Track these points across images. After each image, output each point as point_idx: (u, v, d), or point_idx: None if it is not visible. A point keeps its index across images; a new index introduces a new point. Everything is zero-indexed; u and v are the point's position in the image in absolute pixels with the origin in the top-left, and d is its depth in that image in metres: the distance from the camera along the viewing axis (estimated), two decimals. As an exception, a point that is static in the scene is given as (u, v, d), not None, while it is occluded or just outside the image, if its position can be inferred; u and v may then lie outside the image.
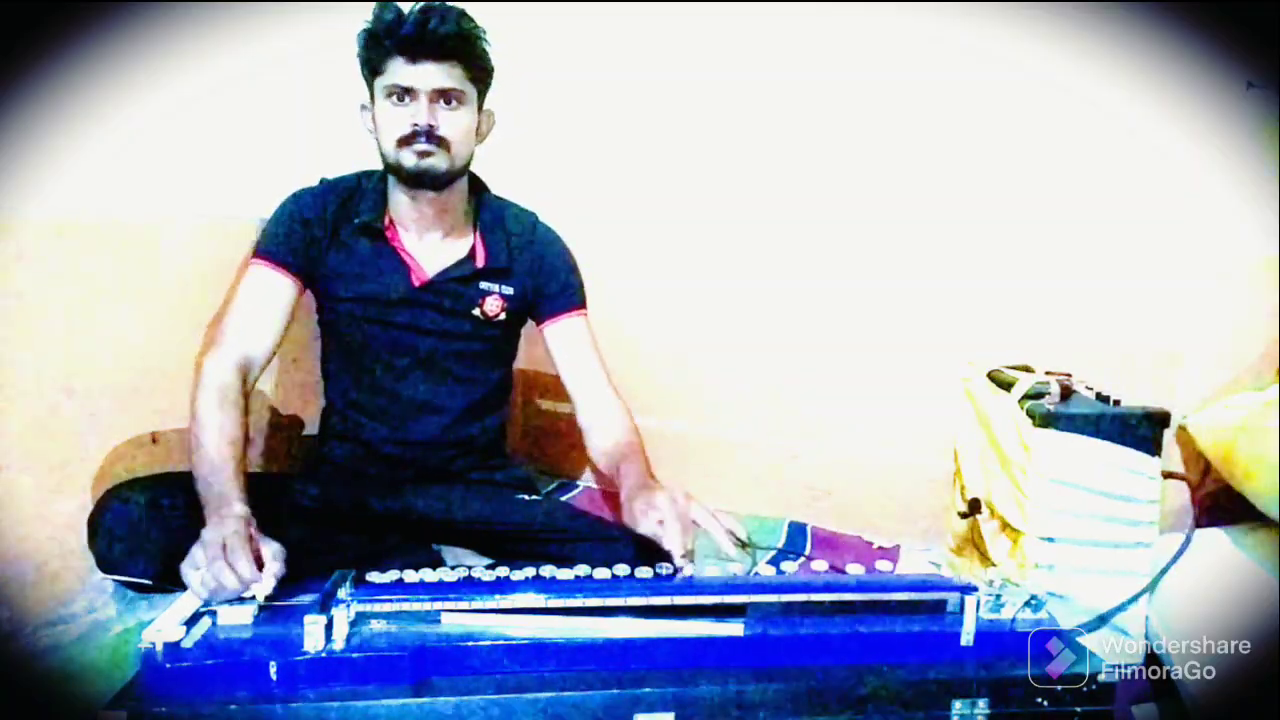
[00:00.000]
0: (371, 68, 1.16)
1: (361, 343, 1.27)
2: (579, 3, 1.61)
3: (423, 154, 1.16)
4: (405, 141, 1.15)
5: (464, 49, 1.16)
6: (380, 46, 1.14)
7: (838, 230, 1.53)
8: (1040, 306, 1.40)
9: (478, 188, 1.32)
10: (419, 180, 1.18)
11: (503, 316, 1.29)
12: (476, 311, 1.27)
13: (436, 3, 1.14)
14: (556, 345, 1.33)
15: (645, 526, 1.02)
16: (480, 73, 1.19)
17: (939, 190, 1.46)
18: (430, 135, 1.15)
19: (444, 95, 1.16)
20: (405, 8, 1.14)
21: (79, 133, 1.14)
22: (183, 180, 1.29)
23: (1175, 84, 1.28)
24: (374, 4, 1.15)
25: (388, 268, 1.24)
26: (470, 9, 1.15)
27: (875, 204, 1.50)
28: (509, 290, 1.29)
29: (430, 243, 1.26)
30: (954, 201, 1.45)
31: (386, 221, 1.25)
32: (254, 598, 0.86)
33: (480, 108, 1.21)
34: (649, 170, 1.66)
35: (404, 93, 1.15)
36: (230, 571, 0.86)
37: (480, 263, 1.27)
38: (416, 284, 1.25)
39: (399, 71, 1.14)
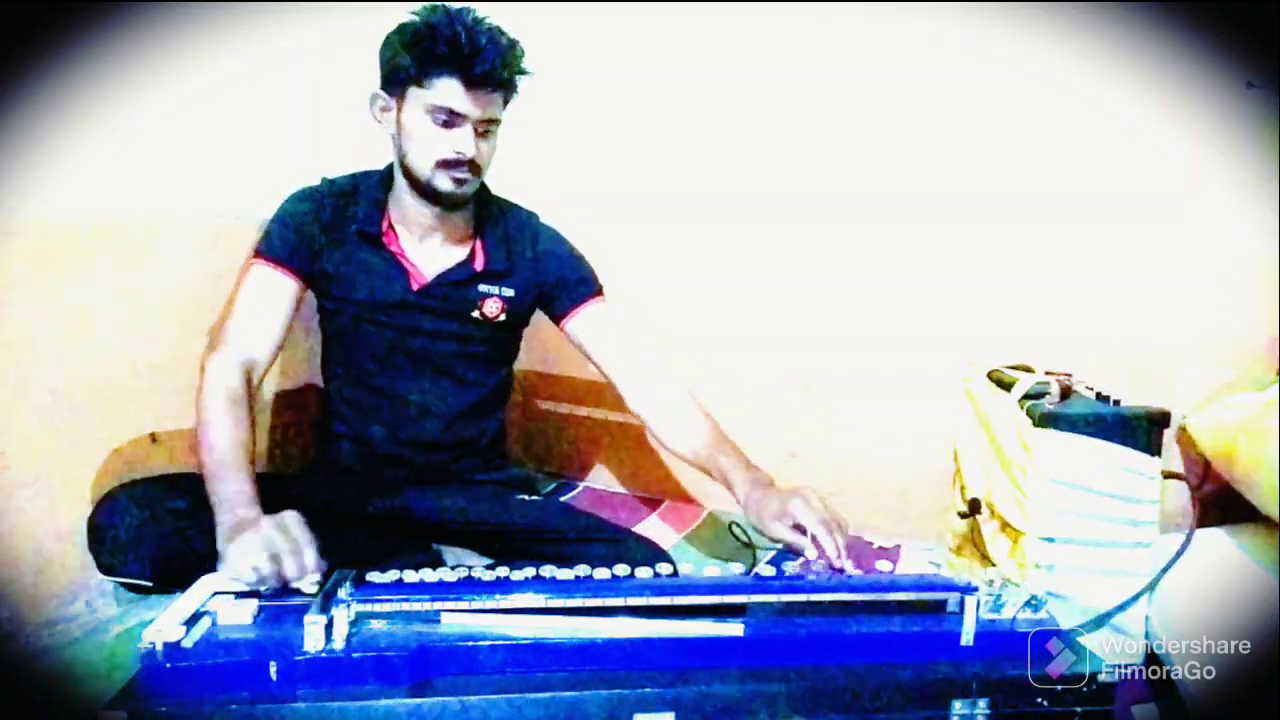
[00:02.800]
0: (411, 75, 1.12)
1: (361, 344, 1.27)
2: (581, 3, 1.61)
3: (460, 180, 1.16)
4: (445, 165, 1.15)
5: (515, 83, 1.16)
6: (433, 61, 1.10)
7: (838, 230, 1.53)
8: (1040, 306, 1.40)
9: (478, 190, 1.32)
10: (449, 202, 1.19)
11: (503, 318, 1.29)
12: (476, 314, 1.27)
13: (498, 30, 1.12)
14: (583, 337, 1.30)
15: (779, 532, 1.02)
16: (510, 98, 1.19)
17: (939, 190, 1.46)
18: (471, 163, 1.15)
19: (487, 122, 1.16)
20: (459, 13, 1.10)
21: (79, 133, 1.14)
22: (183, 180, 1.29)
23: (1175, 84, 1.28)
24: (424, 8, 1.12)
25: (386, 272, 1.24)
26: (472, 9, 1.15)
27: (875, 204, 1.50)
28: (509, 292, 1.28)
29: (430, 247, 1.26)
30: (954, 201, 1.45)
31: (385, 226, 1.24)
32: (298, 591, 0.87)
33: None
34: (649, 170, 1.66)
35: (452, 117, 1.13)
36: (292, 559, 0.87)
37: (479, 265, 1.27)
38: (415, 288, 1.24)
39: (453, 96, 1.11)
